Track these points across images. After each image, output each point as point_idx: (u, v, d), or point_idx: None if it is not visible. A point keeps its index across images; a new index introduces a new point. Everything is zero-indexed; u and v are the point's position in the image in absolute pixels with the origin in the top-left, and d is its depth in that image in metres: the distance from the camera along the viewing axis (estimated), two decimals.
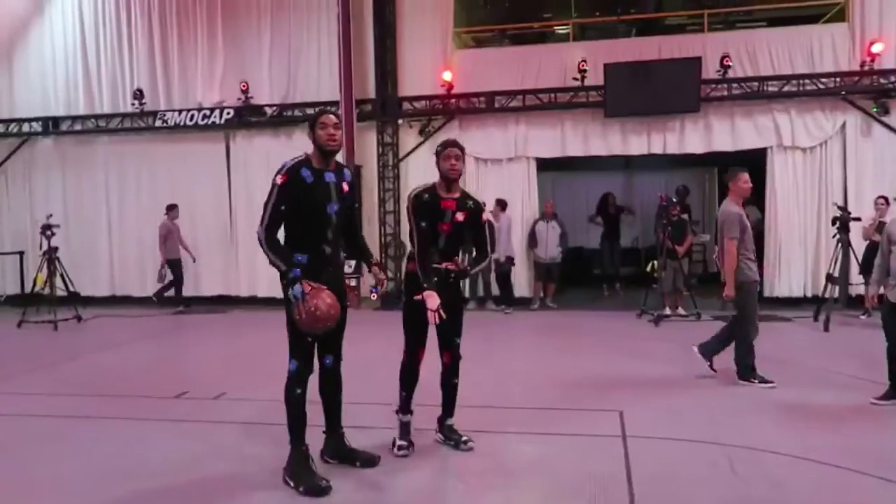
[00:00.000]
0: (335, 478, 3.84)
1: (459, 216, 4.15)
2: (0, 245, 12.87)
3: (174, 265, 11.27)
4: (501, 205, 10.72)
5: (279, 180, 3.71)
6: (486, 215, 4.35)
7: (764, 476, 3.86)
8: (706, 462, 4.08)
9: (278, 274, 3.72)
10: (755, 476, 3.86)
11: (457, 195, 4.19)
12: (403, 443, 4.25)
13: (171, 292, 11.37)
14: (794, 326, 8.92)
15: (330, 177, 3.83)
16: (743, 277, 5.81)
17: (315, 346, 3.85)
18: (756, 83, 10.29)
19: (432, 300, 3.90)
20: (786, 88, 10.20)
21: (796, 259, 10.43)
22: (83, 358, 7.85)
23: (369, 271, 4.19)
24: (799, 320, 9.12)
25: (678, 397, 5.56)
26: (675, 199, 10.04)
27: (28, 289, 11.29)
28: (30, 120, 12.53)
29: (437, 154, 4.19)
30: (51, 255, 9.91)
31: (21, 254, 12.55)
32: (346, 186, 3.91)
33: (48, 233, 9.83)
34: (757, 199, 10.71)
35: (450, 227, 4.14)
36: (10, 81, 12.74)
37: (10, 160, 12.80)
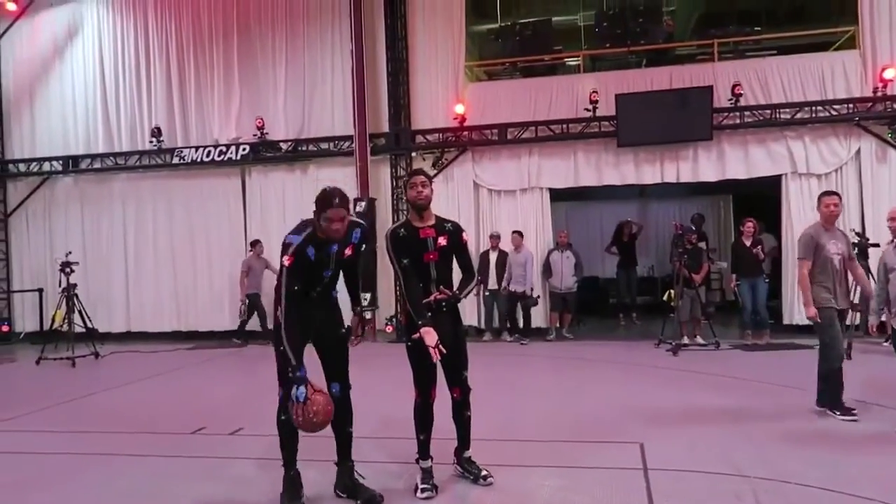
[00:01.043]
0: None
1: (442, 241, 4.12)
2: (20, 283, 13.05)
3: (253, 299, 11.29)
4: (520, 235, 10.71)
5: (286, 262, 3.69)
6: (466, 236, 4.33)
7: None
8: (730, 494, 3.99)
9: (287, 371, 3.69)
10: None
11: (432, 222, 4.16)
12: (426, 486, 4.12)
13: (254, 323, 11.39)
14: (815, 354, 8.72)
15: (333, 248, 3.84)
16: (818, 303, 5.59)
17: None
18: (768, 111, 10.31)
19: (430, 337, 3.84)
20: (798, 115, 10.19)
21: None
22: (101, 394, 7.86)
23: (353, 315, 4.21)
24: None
25: (700, 428, 5.46)
26: (691, 228, 10.01)
27: (47, 326, 11.39)
28: (50, 159, 12.78)
29: (405, 185, 4.24)
30: (69, 293, 10.00)
31: (40, 291, 12.70)
32: (348, 251, 3.91)
33: (67, 270, 9.93)
34: (772, 226, 10.70)
35: (436, 256, 4.10)
36: (31, 121, 13.03)
37: (30, 198, 13.03)
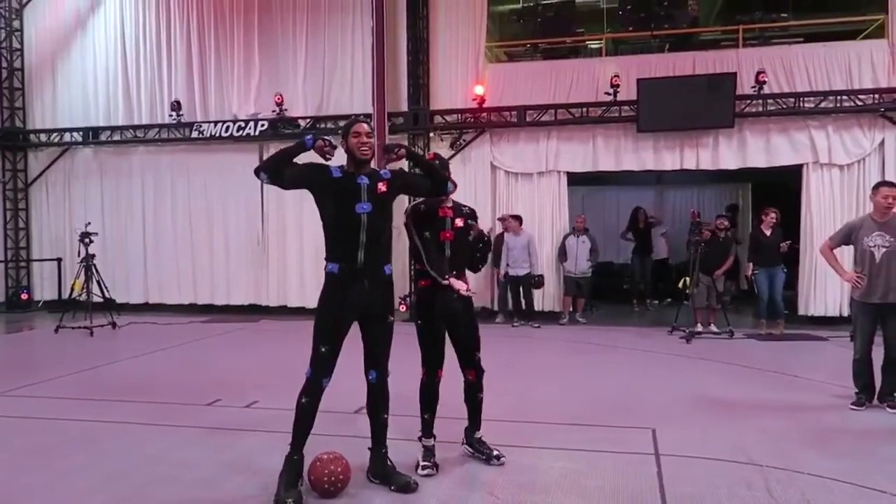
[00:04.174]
0: (369, 490, 3.88)
1: (459, 222, 4.19)
2: (39, 252, 13.21)
3: None
4: (518, 220, 10.62)
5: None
6: (479, 225, 4.37)
7: (801, 498, 3.78)
8: (742, 483, 4.00)
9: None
10: (792, 498, 3.78)
11: (450, 204, 4.22)
12: (427, 463, 4.16)
13: None
14: (830, 346, 8.75)
15: (362, 179, 3.81)
16: (852, 292, 5.70)
17: (334, 358, 3.77)
18: (792, 99, 10.18)
19: (459, 283, 3.97)
20: (823, 104, 10.06)
21: (832, 278, 10.20)
22: (118, 364, 7.99)
23: None
24: (835, 340, 8.94)
25: (712, 416, 5.47)
26: (724, 213, 9.97)
27: (66, 295, 11.54)
28: (71, 130, 12.86)
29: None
30: (88, 263, 10.11)
31: (59, 260, 12.85)
32: (382, 186, 3.84)
33: (86, 240, 10.04)
34: (790, 216, 10.57)
35: (452, 235, 4.15)
36: (53, 93, 13.11)
37: (50, 169, 13.14)
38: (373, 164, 3.94)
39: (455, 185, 4.15)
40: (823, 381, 6.59)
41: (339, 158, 3.82)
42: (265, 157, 3.85)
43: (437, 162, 4.26)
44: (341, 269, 3.77)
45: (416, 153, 4.33)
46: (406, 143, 11.25)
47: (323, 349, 3.73)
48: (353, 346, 3.90)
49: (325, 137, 3.81)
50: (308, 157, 3.77)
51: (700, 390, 6.35)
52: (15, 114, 13.09)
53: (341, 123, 11.44)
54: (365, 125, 3.87)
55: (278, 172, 3.77)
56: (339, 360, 3.80)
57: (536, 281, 10.54)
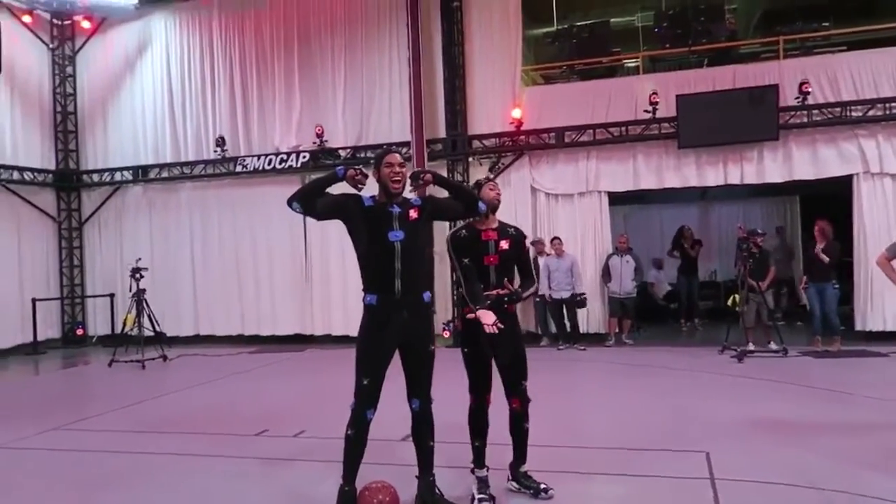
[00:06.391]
0: None
1: (504, 244, 4.10)
2: (93, 288, 13.61)
3: None
4: (559, 241, 10.54)
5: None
6: (528, 243, 4.31)
7: None
8: None
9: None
10: None
11: (495, 225, 4.16)
12: (483, 496, 4.06)
13: None
14: (890, 362, 8.42)
15: (394, 209, 3.82)
16: None
17: (377, 390, 3.76)
18: (838, 108, 9.93)
19: (487, 316, 3.77)
20: (871, 112, 9.80)
21: (890, 290, 9.82)
22: (169, 396, 8.13)
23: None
24: (895, 355, 8.60)
25: (768, 437, 5.29)
26: (756, 231, 9.73)
27: (118, 329, 11.84)
28: (121, 169, 13.31)
29: (479, 186, 4.20)
30: (139, 297, 10.36)
31: (112, 296, 13.22)
32: (413, 213, 3.84)
33: (137, 275, 10.29)
34: (841, 228, 10.23)
35: (497, 259, 4.07)
36: (104, 133, 13.59)
37: (102, 207, 13.58)
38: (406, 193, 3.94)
39: (487, 206, 4.10)
40: (884, 399, 6.32)
41: (371, 188, 3.83)
42: (301, 189, 3.83)
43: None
44: (380, 300, 3.76)
45: (443, 177, 4.31)
46: (445, 170, 11.36)
47: (365, 381, 3.74)
48: (398, 373, 3.90)
49: (357, 167, 3.82)
50: (341, 188, 3.77)
51: (755, 411, 6.14)
52: (69, 155, 13.61)
53: None
54: (397, 155, 3.87)
55: (311, 203, 3.78)
56: (385, 387, 3.80)
57: (580, 300, 10.41)
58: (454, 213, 4.21)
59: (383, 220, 3.78)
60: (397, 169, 3.81)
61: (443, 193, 4.21)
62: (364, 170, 3.83)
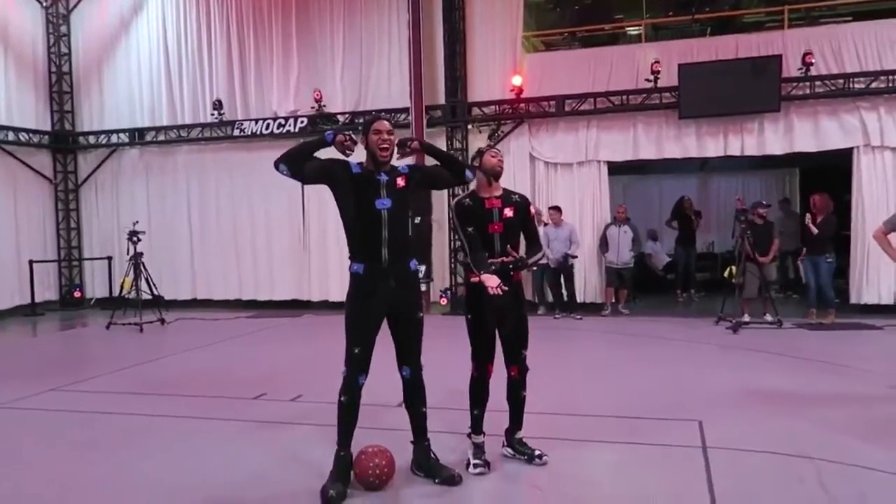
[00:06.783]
0: (414, 483, 3.89)
1: (508, 212, 4.08)
2: (90, 251, 13.60)
3: None
4: (558, 210, 10.50)
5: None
6: (533, 208, 4.27)
7: (855, 492, 3.68)
8: (793, 477, 3.91)
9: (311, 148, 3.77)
10: (846, 492, 3.68)
11: (499, 193, 4.14)
12: (478, 461, 4.10)
13: None
14: (884, 335, 8.49)
15: (382, 176, 3.80)
16: None
17: (367, 357, 3.79)
18: (841, 80, 9.86)
19: (491, 279, 3.77)
20: (874, 85, 9.73)
21: (886, 264, 9.87)
22: (167, 359, 8.18)
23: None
24: (890, 328, 8.67)
25: (761, 407, 5.34)
26: (762, 202, 9.77)
27: (115, 292, 11.87)
28: (117, 131, 13.20)
29: (481, 154, 4.16)
30: (136, 261, 10.35)
31: (109, 259, 13.21)
32: (400, 181, 3.83)
33: (134, 239, 10.27)
34: (839, 201, 10.23)
35: (501, 227, 4.06)
36: (100, 95, 13.44)
37: (99, 170, 13.50)
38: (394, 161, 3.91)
39: (474, 173, 4.09)
40: (877, 371, 6.39)
41: (360, 155, 3.80)
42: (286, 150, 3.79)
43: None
44: (367, 268, 3.76)
45: (431, 144, 4.28)
46: (444, 137, 11.29)
47: (356, 350, 3.76)
48: (390, 340, 3.93)
49: (346, 133, 3.78)
50: (329, 153, 3.72)
51: (748, 381, 6.20)
52: (64, 117, 13.48)
53: None
54: (386, 122, 3.82)
55: (298, 166, 3.74)
56: (379, 354, 3.83)
57: (570, 264, 10.38)
58: (442, 182, 4.20)
59: (370, 187, 3.76)
60: (385, 136, 3.76)
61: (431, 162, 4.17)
62: (353, 136, 3.80)
